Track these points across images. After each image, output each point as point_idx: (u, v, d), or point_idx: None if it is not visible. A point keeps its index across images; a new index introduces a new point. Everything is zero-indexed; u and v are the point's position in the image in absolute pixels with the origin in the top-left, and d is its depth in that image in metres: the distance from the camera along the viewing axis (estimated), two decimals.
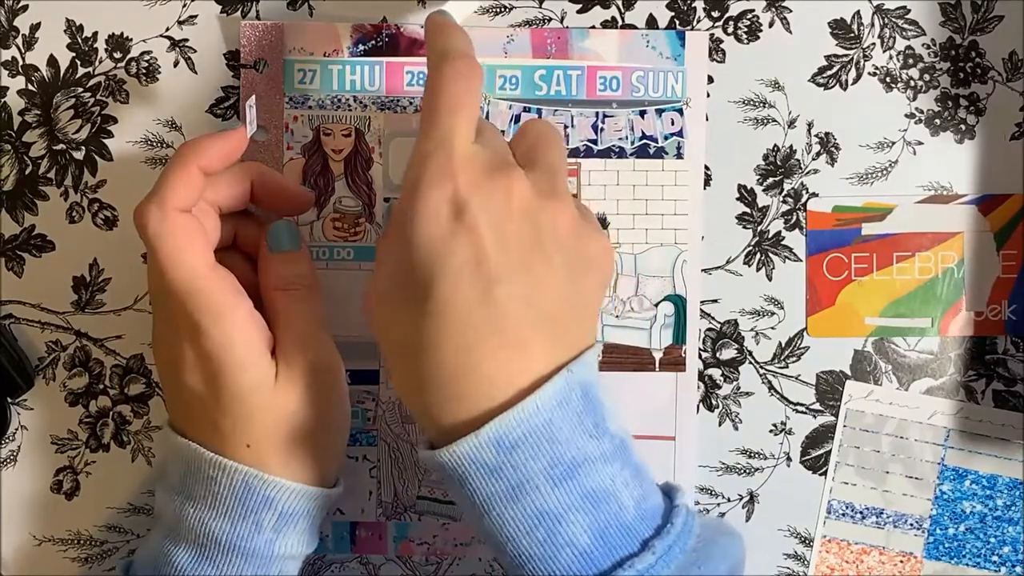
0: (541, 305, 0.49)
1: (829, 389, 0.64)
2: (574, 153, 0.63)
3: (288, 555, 0.55)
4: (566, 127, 0.63)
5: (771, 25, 0.64)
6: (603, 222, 0.63)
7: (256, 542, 0.54)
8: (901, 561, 0.65)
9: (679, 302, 0.64)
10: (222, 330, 0.53)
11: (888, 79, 0.64)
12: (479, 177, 0.49)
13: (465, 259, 0.48)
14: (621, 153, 0.63)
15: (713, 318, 0.64)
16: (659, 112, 0.63)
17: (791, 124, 0.64)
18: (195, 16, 0.63)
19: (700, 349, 0.64)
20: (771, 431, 0.65)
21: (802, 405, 0.64)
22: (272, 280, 0.57)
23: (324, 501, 0.56)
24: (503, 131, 0.63)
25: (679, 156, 0.63)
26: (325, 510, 0.57)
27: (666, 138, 0.63)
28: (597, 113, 0.63)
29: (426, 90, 0.51)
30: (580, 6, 0.63)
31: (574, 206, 0.52)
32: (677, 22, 0.63)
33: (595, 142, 0.63)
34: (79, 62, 0.63)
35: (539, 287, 0.49)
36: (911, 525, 0.64)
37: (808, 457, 0.65)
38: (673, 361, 0.64)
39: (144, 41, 0.63)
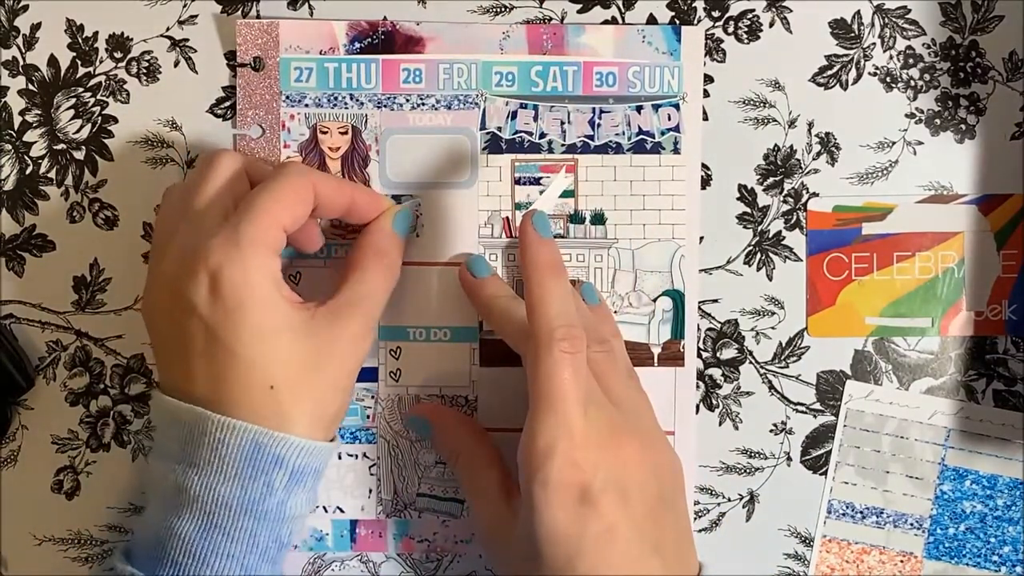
0: (666, 547, 0.54)
1: (829, 389, 0.64)
2: (571, 149, 0.63)
3: (297, 515, 0.55)
4: (563, 123, 0.63)
5: (771, 25, 0.64)
6: (600, 218, 0.63)
7: (268, 504, 0.53)
8: (901, 561, 0.64)
9: (677, 297, 0.64)
10: (244, 259, 0.53)
11: (888, 79, 0.64)
12: (598, 456, 0.53)
13: (599, 531, 0.52)
14: (618, 149, 0.63)
15: (713, 318, 0.64)
16: (655, 107, 0.63)
17: (791, 124, 0.64)
18: (195, 16, 0.63)
19: (700, 349, 0.64)
20: (771, 431, 0.64)
21: (802, 405, 0.64)
22: (373, 242, 0.59)
23: (328, 456, 0.56)
24: (499, 127, 0.63)
25: (676, 152, 0.63)
26: (326, 466, 0.57)
27: (663, 133, 0.63)
28: (594, 109, 0.63)
29: (533, 368, 0.54)
30: (580, 6, 0.63)
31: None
32: (678, 22, 0.63)
33: (592, 138, 0.63)
34: (79, 62, 0.63)
35: (662, 531, 0.54)
36: (911, 525, 0.64)
37: (808, 457, 0.65)
38: (672, 356, 0.64)
39: (144, 41, 0.63)
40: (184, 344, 0.54)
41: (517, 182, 0.63)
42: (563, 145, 0.63)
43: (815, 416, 0.64)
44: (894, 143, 0.64)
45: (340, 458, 0.64)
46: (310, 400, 0.54)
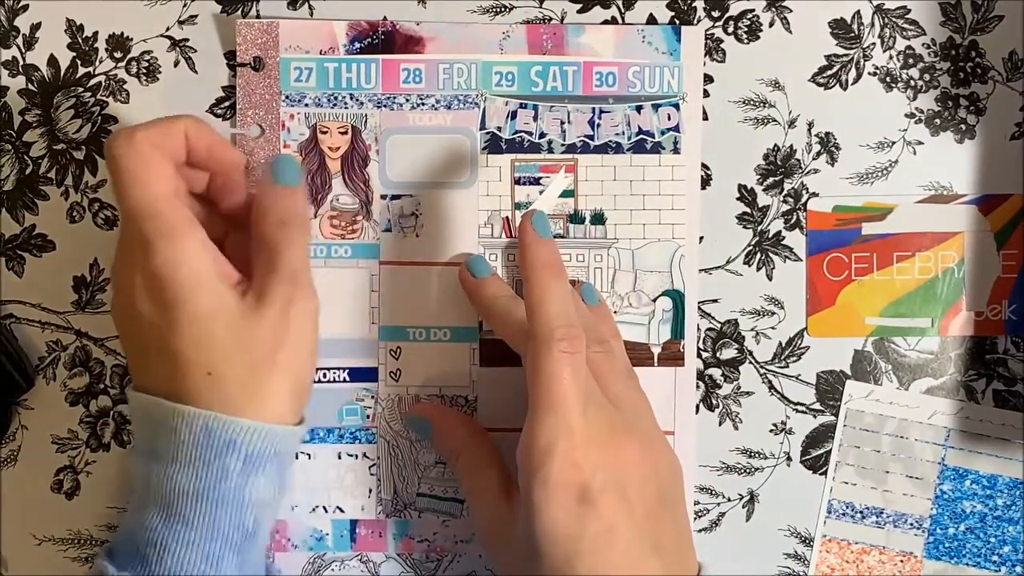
0: (665, 547, 0.54)
1: (829, 389, 0.64)
2: (571, 149, 0.63)
3: (260, 501, 0.53)
4: (563, 123, 0.63)
5: (771, 25, 0.64)
6: (600, 218, 0.63)
7: (223, 488, 0.52)
8: (901, 561, 0.64)
9: (677, 297, 0.64)
10: (174, 250, 0.52)
11: (888, 79, 0.64)
12: (597, 456, 0.53)
13: (598, 531, 0.52)
14: (618, 148, 0.63)
15: (713, 318, 0.64)
16: (655, 107, 0.63)
17: (791, 124, 0.64)
18: (195, 16, 0.63)
19: (700, 349, 0.64)
20: (771, 431, 0.64)
21: (802, 405, 0.64)
22: (270, 214, 0.56)
23: (290, 440, 0.55)
24: (499, 127, 0.63)
25: (676, 151, 0.63)
26: (293, 451, 0.56)
27: (662, 133, 0.63)
28: (593, 109, 0.63)
29: (533, 368, 0.54)
30: (580, 6, 0.63)
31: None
32: (678, 22, 0.63)
33: (592, 138, 0.63)
34: (79, 62, 0.63)
35: (662, 531, 0.55)
36: (911, 525, 0.64)
37: (808, 457, 0.65)
38: (672, 356, 0.64)
39: (144, 41, 0.63)
40: (138, 340, 0.54)
41: (517, 182, 0.63)
42: (563, 145, 0.63)
43: (815, 416, 0.64)
44: (894, 143, 0.64)
45: (340, 458, 0.64)
46: (259, 382, 0.53)
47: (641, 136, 0.63)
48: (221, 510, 0.52)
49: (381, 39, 0.63)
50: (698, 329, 0.64)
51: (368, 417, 0.64)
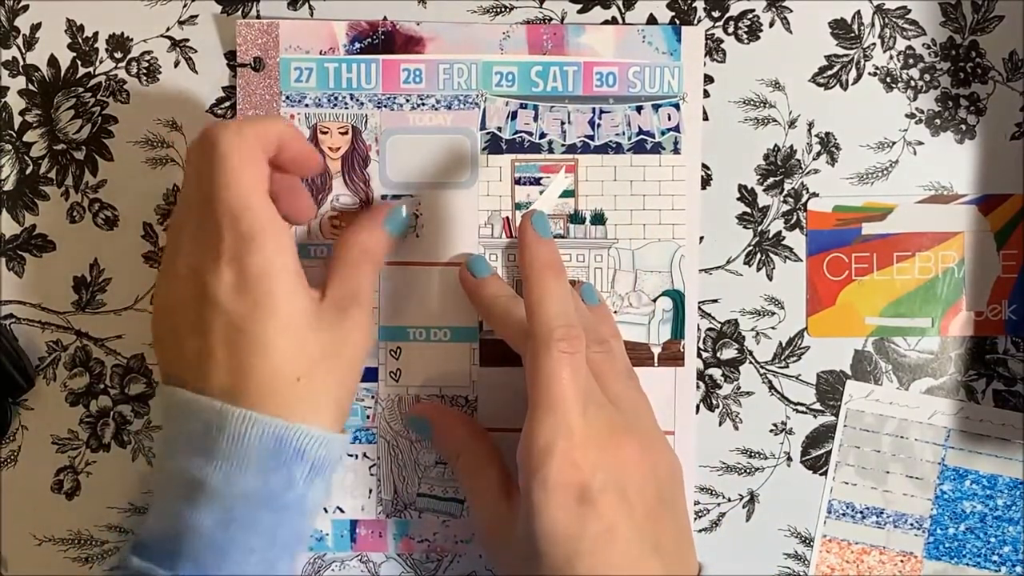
0: (665, 547, 0.54)
1: (829, 389, 0.64)
2: (571, 149, 0.63)
3: (313, 508, 0.54)
4: (563, 123, 0.63)
5: (771, 25, 0.64)
6: (600, 218, 0.63)
7: (288, 497, 0.52)
8: (901, 561, 0.64)
9: (677, 297, 0.64)
10: (274, 251, 0.53)
11: (888, 79, 0.64)
12: (597, 456, 0.53)
13: (599, 531, 0.52)
14: (618, 149, 0.63)
15: (713, 318, 0.64)
16: (656, 108, 0.63)
17: (791, 124, 0.64)
18: (195, 16, 0.63)
19: (700, 349, 0.64)
20: (771, 431, 0.64)
21: (802, 405, 0.64)
22: (358, 243, 0.59)
23: (343, 448, 0.56)
24: (499, 127, 0.63)
25: (676, 152, 0.63)
26: (341, 459, 0.57)
27: (663, 133, 0.63)
28: (594, 109, 0.63)
29: (532, 368, 0.54)
30: (580, 6, 0.63)
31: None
32: (678, 22, 0.63)
33: (592, 138, 0.63)
34: (80, 62, 0.63)
35: (662, 531, 0.55)
36: (911, 525, 0.64)
37: (808, 457, 0.65)
38: (672, 356, 0.64)
39: (144, 41, 0.63)
40: (202, 337, 0.53)
41: (517, 182, 0.63)
42: (563, 145, 0.63)
43: (815, 416, 0.64)
44: (894, 143, 0.64)
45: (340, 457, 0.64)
46: (329, 392, 0.54)
47: (641, 136, 0.63)
48: (283, 517, 0.52)
49: (381, 39, 0.63)
50: (698, 329, 0.64)
51: (368, 417, 0.64)
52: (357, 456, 0.64)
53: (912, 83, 0.64)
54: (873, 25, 0.63)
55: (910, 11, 0.63)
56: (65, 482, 0.64)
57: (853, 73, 0.64)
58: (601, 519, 0.52)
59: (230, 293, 0.52)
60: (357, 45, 0.63)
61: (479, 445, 0.61)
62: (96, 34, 0.63)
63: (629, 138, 0.63)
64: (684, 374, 0.64)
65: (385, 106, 0.63)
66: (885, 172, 0.64)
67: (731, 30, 0.63)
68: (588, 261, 0.64)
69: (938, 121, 0.64)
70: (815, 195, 0.64)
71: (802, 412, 0.64)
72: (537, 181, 0.63)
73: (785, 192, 0.64)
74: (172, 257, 0.55)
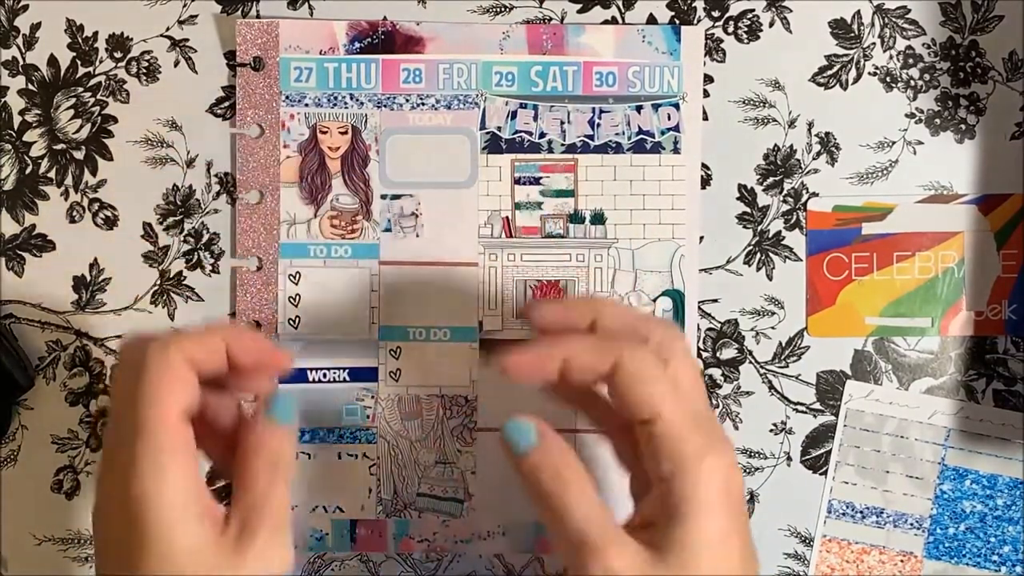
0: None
1: (829, 389, 0.64)
2: (571, 149, 0.63)
3: None
4: (563, 123, 0.63)
5: (771, 25, 0.64)
6: (600, 218, 0.63)
7: None
8: (901, 561, 0.64)
9: (677, 297, 0.64)
10: (157, 481, 0.48)
11: (888, 79, 0.64)
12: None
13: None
14: (618, 148, 0.63)
15: (713, 318, 0.64)
16: (655, 107, 0.63)
17: (791, 124, 0.64)
18: (195, 16, 0.63)
19: (700, 348, 0.64)
20: (771, 431, 0.64)
21: (802, 405, 0.64)
22: (263, 453, 0.52)
23: None
24: (499, 127, 0.63)
25: (676, 151, 0.63)
26: None
27: (663, 133, 0.63)
28: (593, 109, 0.63)
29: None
30: (580, 6, 0.63)
31: None
32: (678, 22, 0.63)
33: (592, 137, 0.63)
34: (79, 62, 0.63)
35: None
36: (911, 525, 0.64)
37: (808, 457, 0.65)
38: None
39: (144, 41, 0.63)
40: (108, 560, 0.50)
41: (517, 182, 0.63)
42: (563, 145, 0.63)
43: (815, 416, 0.64)
44: (894, 143, 0.64)
45: (340, 458, 0.64)
46: None
47: (641, 136, 0.63)
48: None
49: (381, 39, 0.63)
50: (698, 329, 0.64)
51: (368, 417, 0.64)
52: (357, 456, 0.64)
53: (912, 83, 0.64)
54: (873, 25, 0.63)
55: (910, 11, 0.63)
56: (65, 482, 0.64)
57: (853, 73, 0.64)
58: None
59: (117, 520, 0.49)
60: (357, 45, 0.63)
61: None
62: (96, 34, 0.63)
63: (629, 138, 0.63)
64: None
65: (385, 106, 0.63)
66: (885, 172, 0.64)
67: (731, 30, 0.64)
68: (588, 261, 0.64)
69: (938, 121, 0.64)
70: (815, 195, 0.64)
71: (802, 412, 0.64)
72: (537, 181, 0.63)
73: (785, 192, 0.64)
74: (100, 467, 0.52)
